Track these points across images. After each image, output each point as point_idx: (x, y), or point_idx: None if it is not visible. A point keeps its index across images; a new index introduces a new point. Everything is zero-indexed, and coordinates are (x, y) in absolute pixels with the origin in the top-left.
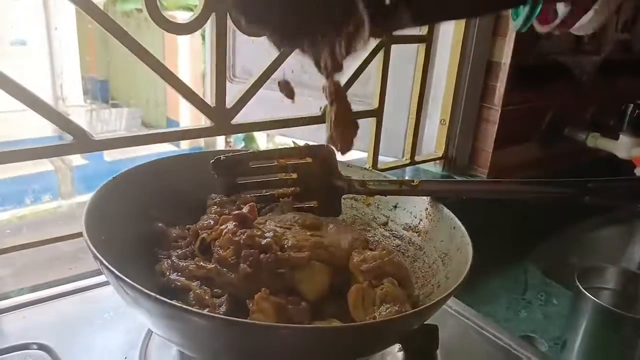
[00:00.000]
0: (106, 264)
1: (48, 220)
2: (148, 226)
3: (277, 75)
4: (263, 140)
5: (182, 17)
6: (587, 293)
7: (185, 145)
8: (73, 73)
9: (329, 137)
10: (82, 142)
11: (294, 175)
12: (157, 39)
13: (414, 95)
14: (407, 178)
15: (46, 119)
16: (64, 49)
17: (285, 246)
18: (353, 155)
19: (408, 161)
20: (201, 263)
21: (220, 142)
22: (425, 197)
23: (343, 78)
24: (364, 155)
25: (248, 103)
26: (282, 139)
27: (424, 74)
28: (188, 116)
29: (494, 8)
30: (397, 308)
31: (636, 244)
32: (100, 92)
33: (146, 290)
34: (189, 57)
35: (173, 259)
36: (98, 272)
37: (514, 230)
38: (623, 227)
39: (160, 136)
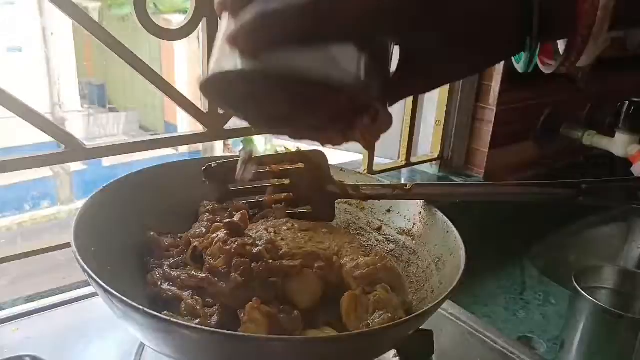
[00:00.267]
0: (94, 276)
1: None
2: (139, 235)
3: None
4: (261, 143)
5: (178, 20)
6: (584, 293)
7: (183, 149)
8: (70, 78)
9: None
10: (76, 150)
11: (287, 181)
12: (154, 42)
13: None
14: (403, 179)
15: (36, 127)
16: (60, 54)
17: (277, 254)
18: (348, 157)
19: (404, 162)
20: (193, 272)
21: (218, 146)
22: (418, 201)
23: None
24: (360, 157)
25: None
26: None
27: None
28: (186, 120)
29: (492, 61)
30: (390, 315)
31: (633, 242)
32: (98, 96)
33: (135, 304)
34: (186, 58)
35: (165, 268)
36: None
37: (511, 230)
38: (620, 226)
39: (153, 143)
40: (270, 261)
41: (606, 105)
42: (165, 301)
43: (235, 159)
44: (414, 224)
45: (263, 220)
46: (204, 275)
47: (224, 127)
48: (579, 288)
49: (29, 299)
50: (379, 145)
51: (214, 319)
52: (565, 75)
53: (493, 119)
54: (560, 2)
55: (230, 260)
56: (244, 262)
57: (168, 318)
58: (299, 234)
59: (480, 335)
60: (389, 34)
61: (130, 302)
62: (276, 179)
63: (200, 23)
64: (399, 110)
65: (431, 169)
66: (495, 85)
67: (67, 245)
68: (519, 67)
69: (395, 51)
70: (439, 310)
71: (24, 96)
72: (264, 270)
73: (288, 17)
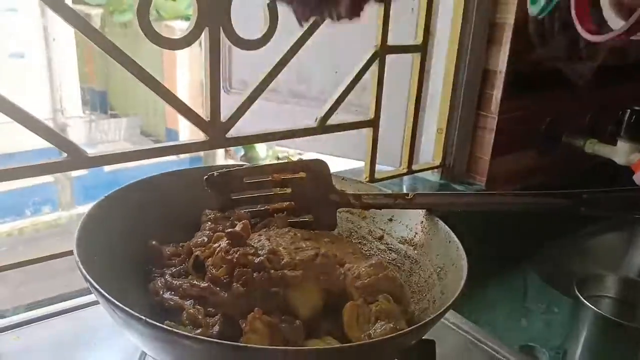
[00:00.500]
0: (96, 286)
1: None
2: (141, 244)
3: (273, 86)
4: (262, 148)
5: (181, 26)
6: (586, 302)
7: (185, 155)
8: (72, 84)
9: None
10: (77, 159)
11: (288, 190)
12: (156, 48)
13: (410, 105)
14: (404, 187)
15: (39, 135)
16: (62, 60)
17: (279, 264)
18: (350, 164)
19: (405, 170)
20: (194, 282)
21: (220, 152)
22: (420, 210)
23: (338, 88)
24: (361, 164)
25: (246, 114)
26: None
27: (419, 83)
28: (187, 126)
29: None
30: (392, 325)
31: (636, 251)
32: (99, 102)
33: (136, 314)
34: (188, 65)
35: (167, 277)
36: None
37: (512, 239)
38: (623, 235)
39: (154, 151)
40: (272, 271)
41: (608, 113)
42: (167, 310)
43: (237, 167)
44: (416, 233)
45: (265, 229)
46: (206, 284)
47: (226, 136)
48: (581, 297)
49: (30, 307)
50: (380, 152)
51: (216, 328)
52: (568, 83)
53: (495, 127)
54: None
55: (232, 270)
56: (246, 272)
57: (169, 328)
58: (301, 243)
59: (483, 345)
60: None
61: (131, 311)
62: (278, 188)
63: (203, 32)
64: (401, 118)
65: (433, 177)
66: (497, 93)
67: (69, 253)
68: (533, 9)
69: None
70: (441, 319)
71: (26, 102)
72: (265, 280)
73: None
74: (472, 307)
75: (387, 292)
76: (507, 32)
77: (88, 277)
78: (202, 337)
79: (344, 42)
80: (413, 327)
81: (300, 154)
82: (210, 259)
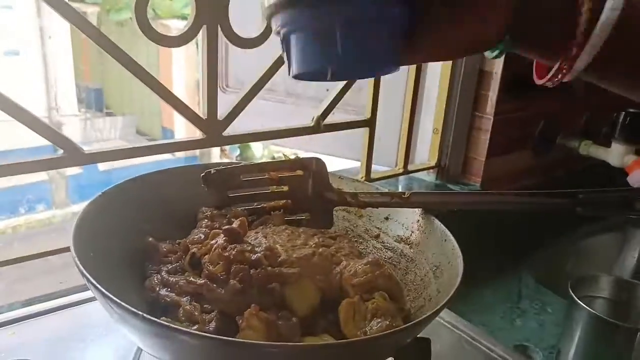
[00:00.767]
0: (93, 281)
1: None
2: (138, 241)
3: (270, 85)
4: (258, 148)
5: (177, 25)
6: (580, 302)
7: (180, 154)
8: (67, 82)
9: None
10: (73, 155)
11: (285, 188)
12: (152, 47)
13: (406, 105)
14: (400, 187)
15: (36, 132)
16: (57, 58)
17: (276, 261)
18: (346, 164)
19: (401, 170)
20: (191, 278)
21: (215, 150)
22: (416, 209)
23: (334, 89)
24: (357, 164)
25: (242, 113)
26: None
27: (415, 83)
28: (183, 125)
29: (484, 38)
30: (388, 322)
31: (629, 252)
32: (95, 100)
33: (133, 309)
34: (184, 64)
35: (163, 274)
36: (87, 287)
37: (507, 239)
38: (616, 236)
39: (151, 149)
40: (269, 268)
41: (603, 115)
42: (163, 307)
43: (234, 165)
44: (412, 232)
45: (261, 227)
46: (203, 281)
47: (223, 134)
48: (575, 297)
49: (26, 303)
50: (376, 152)
51: (212, 325)
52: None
53: (490, 128)
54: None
55: (229, 266)
56: (243, 268)
57: (166, 323)
58: (298, 241)
59: (477, 344)
60: None
61: (128, 307)
62: (275, 186)
63: (201, 30)
64: (397, 118)
65: (428, 177)
66: (492, 95)
67: (65, 249)
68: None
69: None
70: (436, 318)
71: (21, 100)
72: (262, 277)
73: None
74: (466, 307)
75: (384, 289)
76: None
77: (85, 272)
78: (200, 333)
79: None
80: (409, 324)
81: (295, 154)
82: (206, 256)
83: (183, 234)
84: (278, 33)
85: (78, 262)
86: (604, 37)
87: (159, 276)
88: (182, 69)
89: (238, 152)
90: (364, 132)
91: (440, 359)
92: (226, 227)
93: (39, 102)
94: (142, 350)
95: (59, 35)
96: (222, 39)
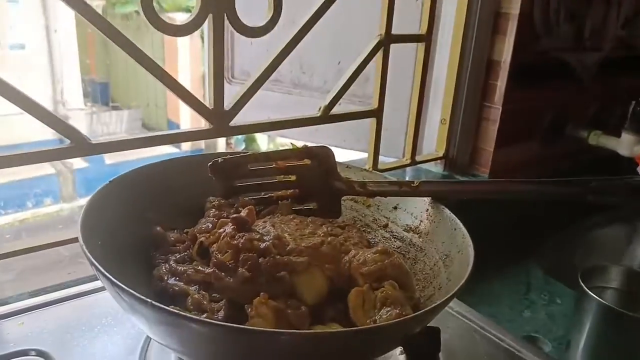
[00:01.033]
0: (102, 270)
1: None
2: (146, 230)
3: (276, 76)
4: (264, 141)
5: (181, 18)
6: (591, 293)
7: (186, 147)
8: (73, 76)
9: None
10: (81, 145)
11: (293, 177)
12: (157, 40)
13: (414, 95)
14: (407, 178)
15: (44, 123)
16: (63, 52)
17: (285, 250)
18: (353, 155)
19: (408, 161)
20: (199, 267)
21: (220, 143)
22: (425, 198)
23: (341, 79)
24: (364, 155)
25: (248, 104)
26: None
27: (423, 73)
28: (189, 118)
29: None
30: (397, 311)
31: (638, 243)
32: (101, 94)
33: (143, 297)
34: (189, 58)
35: (171, 263)
36: (96, 277)
37: (515, 230)
38: (626, 226)
39: (158, 139)
40: (278, 257)
41: (612, 105)
42: (171, 296)
43: (241, 154)
44: (421, 221)
45: (269, 217)
46: (211, 269)
47: (229, 124)
48: (585, 288)
49: (34, 293)
50: (383, 143)
51: (221, 313)
52: (573, 74)
53: (499, 118)
54: None
55: (237, 255)
56: (252, 257)
57: (176, 311)
58: (306, 230)
59: (487, 333)
60: None
61: (138, 295)
62: (282, 175)
63: (207, 20)
64: (404, 109)
65: (435, 168)
66: (501, 84)
67: (72, 240)
68: None
69: None
70: (445, 307)
71: (27, 93)
72: (271, 266)
73: None
74: (474, 298)
75: (393, 278)
76: (512, 22)
77: (93, 261)
78: (210, 320)
79: (347, 32)
80: (420, 312)
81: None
82: (215, 245)
83: (190, 224)
84: None
85: (86, 251)
86: None
87: (167, 265)
88: (187, 63)
89: (243, 145)
90: (371, 122)
91: (450, 348)
92: (234, 215)
93: (45, 96)
94: (150, 339)
95: (65, 29)
96: (226, 30)
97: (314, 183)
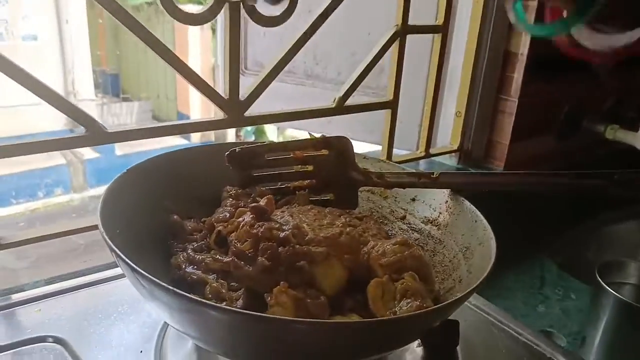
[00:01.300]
0: (122, 256)
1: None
2: (163, 219)
3: (290, 67)
4: (273, 133)
5: (194, 10)
6: (608, 288)
7: (195, 140)
8: (84, 67)
9: None
10: (96, 134)
11: (310, 168)
12: (168, 33)
13: (429, 87)
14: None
15: (60, 111)
16: (74, 43)
17: (304, 239)
18: (366, 147)
19: (423, 154)
20: (217, 256)
21: (230, 136)
22: (444, 190)
23: (357, 68)
24: (378, 148)
25: (261, 96)
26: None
27: (439, 64)
28: (198, 110)
29: None
30: (418, 303)
31: None
32: (111, 85)
33: (163, 283)
34: (199, 51)
35: (189, 251)
36: (112, 265)
37: (529, 224)
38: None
39: (173, 128)
40: (297, 246)
41: (630, 99)
42: (189, 284)
43: (259, 144)
44: (440, 213)
45: (287, 207)
46: (230, 258)
47: (244, 114)
48: (602, 283)
49: (50, 281)
50: (397, 136)
51: (239, 302)
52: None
53: (515, 111)
54: None
55: (257, 243)
56: (271, 246)
57: (197, 298)
58: (324, 221)
59: (505, 327)
60: None
61: (159, 281)
62: (299, 165)
63: (222, 9)
64: (419, 101)
65: (450, 161)
66: (518, 77)
67: (88, 228)
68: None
69: None
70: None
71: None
72: (290, 255)
73: None
74: (488, 293)
75: (413, 270)
76: (530, 14)
77: (114, 247)
78: (231, 308)
79: (361, 23)
80: (442, 304)
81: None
82: (233, 234)
83: (206, 213)
84: None
85: (106, 238)
86: None
87: (184, 254)
88: (198, 55)
89: (253, 138)
90: (385, 114)
91: (469, 342)
92: (253, 204)
93: (57, 87)
94: (167, 326)
95: (76, 20)
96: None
97: (331, 173)
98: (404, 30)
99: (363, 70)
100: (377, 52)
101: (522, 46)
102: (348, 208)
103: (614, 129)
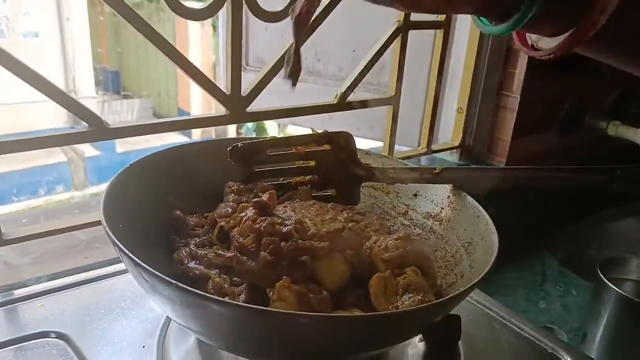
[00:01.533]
0: (125, 250)
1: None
2: (165, 214)
3: None
4: (274, 130)
5: (196, 6)
6: (610, 284)
7: (196, 137)
8: (85, 64)
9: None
10: (98, 129)
11: (312, 163)
12: (168, 30)
13: (430, 83)
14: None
15: (63, 107)
16: (75, 40)
17: (306, 234)
18: (367, 144)
19: (424, 150)
20: (220, 251)
21: (231, 133)
22: (446, 185)
23: (359, 64)
24: (380, 144)
25: (261, 93)
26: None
27: (441, 61)
28: (199, 107)
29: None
30: (420, 297)
31: None
32: (112, 83)
33: (166, 277)
34: (200, 49)
35: (191, 247)
36: (115, 261)
37: (530, 220)
38: None
39: (175, 124)
40: (300, 241)
41: (632, 95)
42: (192, 279)
43: (261, 139)
44: (442, 208)
45: (289, 202)
46: (232, 253)
47: (246, 110)
48: (604, 279)
49: (53, 276)
50: (399, 132)
51: (242, 297)
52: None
53: (517, 108)
54: None
55: (259, 238)
56: (274, 241)
57: (200, 292)
58: (327, 216)
59: (507, 322)
60: None
61: (161, 275)
62: (301, 161)
63: (225, 5)
64: (421, 97)
65: (451, 157)
66: (520, 73)
67: (90, 224)
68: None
69: None
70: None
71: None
72: (293, 250)
73: None
74: (488, 289)
75: (415, 265)
76: None
77: (117, 241)
78: (234, 302)
79: (362, 20)
80: (444, 298)
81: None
82: (235, 229)
83: (208, 208)
84: None
85: (109, 232)
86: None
87: (187, 249)
88: (198, 52)
89: (254, 134)
90: (387, 110)
91: (470, 336)
92: (256, 199)
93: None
94: (170, 321)
95: (77, 18)
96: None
97: (333, 169)
98: (406, 26)
99: (365, 67)
100: (378, 48)
101: None
102: (350, 203)
103: (616, 125)
